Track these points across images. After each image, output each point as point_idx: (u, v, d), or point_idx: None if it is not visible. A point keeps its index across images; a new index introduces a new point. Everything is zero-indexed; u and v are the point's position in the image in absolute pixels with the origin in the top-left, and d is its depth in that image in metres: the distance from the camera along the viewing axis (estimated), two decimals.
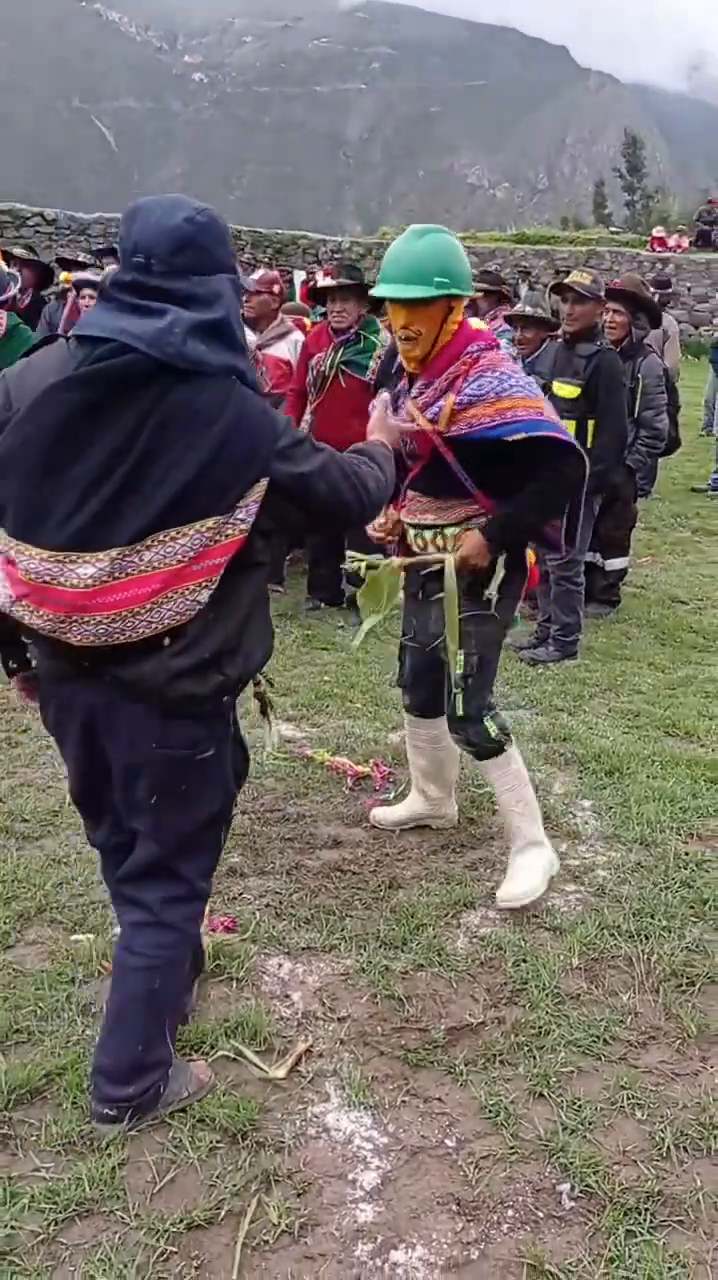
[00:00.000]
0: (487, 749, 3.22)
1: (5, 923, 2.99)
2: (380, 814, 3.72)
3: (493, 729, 3.20)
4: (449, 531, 3.18)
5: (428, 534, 3.23)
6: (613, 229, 33.83)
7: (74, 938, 2.95)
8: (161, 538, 2.00)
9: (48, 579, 1.99)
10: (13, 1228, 2.02)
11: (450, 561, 3.10)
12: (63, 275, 7.93)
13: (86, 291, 7.01)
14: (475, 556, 3.10)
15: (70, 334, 2.08)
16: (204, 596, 2.05)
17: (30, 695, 2.46)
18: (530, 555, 3.35)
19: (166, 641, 2.07)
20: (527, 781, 3.31)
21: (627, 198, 57.97)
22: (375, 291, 3.02)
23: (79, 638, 2.02)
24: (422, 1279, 1.99)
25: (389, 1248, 2.05)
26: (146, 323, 1.98)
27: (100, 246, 14.34)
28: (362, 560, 3.24)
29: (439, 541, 3.20)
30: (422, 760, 3.61)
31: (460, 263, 2.99)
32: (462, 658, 3.14)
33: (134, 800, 2.22)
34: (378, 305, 6.49)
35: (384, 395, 3.03)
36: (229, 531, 2.05)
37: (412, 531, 3.29)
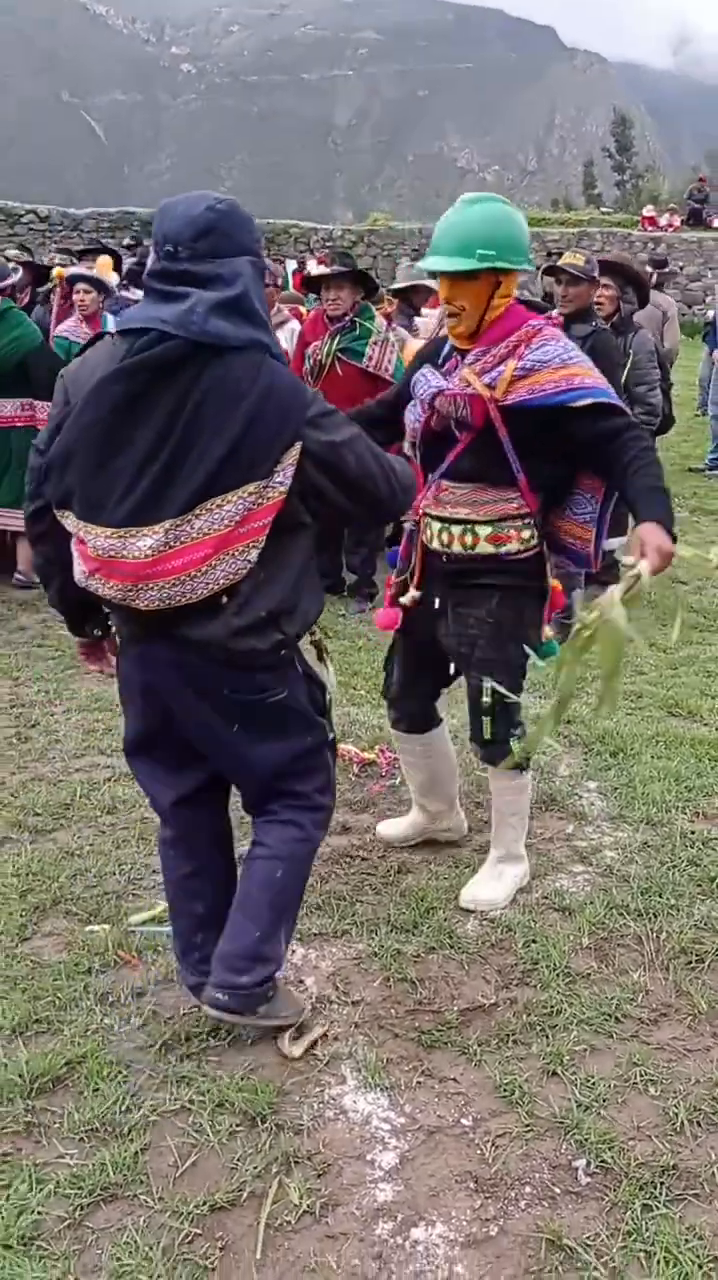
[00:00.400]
0: (505, 765, 3.14)
1: (22, 915, 3.02)
2: (386, 829, 3.54)
3: (517, 752, 3.10)
4: (481, 530, 2.95)
5: (456, 529, 2.98)
6: (604, 209, 33.70)
7: (89, 928, 2.97)
8: (208, 506, 2.17)
9: (113, 554, 2.19)
10: (39, 1213, 2.05)
11: (646, 569, 2.52)
12: (55, 271, 7.92)
13: (81, 286, 7.02)
14: (666, 544, 2.57)
15: (115, 329, 2.29)
16: (253, 555, 2.22)
17: (91, 659, 2.71)
18: (554, 583, 3.14)
19: (224, 600, 2.25)
20: (528, 795, 3.27)
21: (617, 177, 57.61)
22: (421, 263, 2.94)
23: (146, 603, 2.22)
24: (442, 1256, 2.02)
25: (409, 1226, 2.09)
26: (173, 307, 2.17)
27: (89, 244, 14.34)
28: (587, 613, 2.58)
29: (468, 539, 2.97)
30: (418, 775, 3.43)
31: (512, 234, 2.82)
32: (489, 687, 3.01)
33: (218, 740, 2.42)
34: (372, 291, 6.50)
35: (412, 411, 2.92)
36: (270, 495, 2.21)
37: (435, 525, 3.01)
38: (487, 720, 3.08)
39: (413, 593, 3.12)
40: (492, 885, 3.19)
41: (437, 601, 3.09)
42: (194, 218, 2.19)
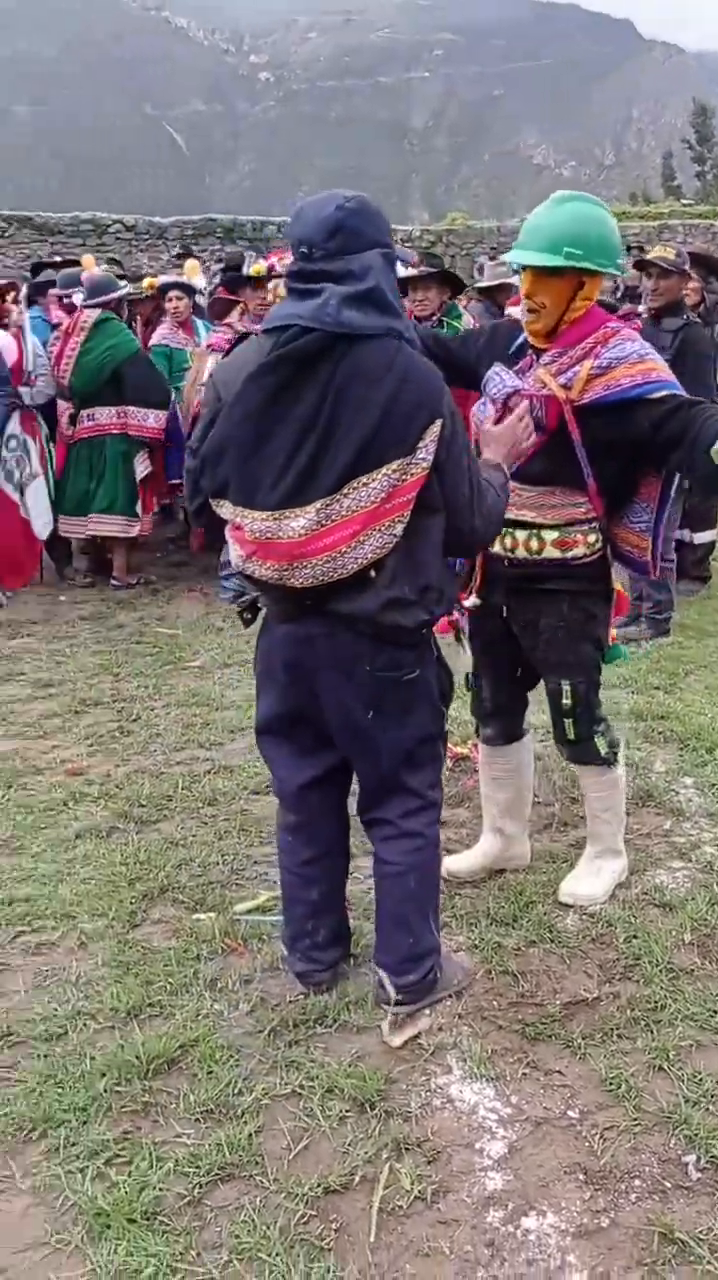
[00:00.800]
0: (593, 762, 3.12)
1: (131, 903, 3.10)
2: (455, 864, 3.29)
3: (603, 747, 3.08)
4: (547, 535, 2.90)
5: (520, 534, 2.92)
6: (685, 201, 33.06)
7: (196, 916, 3.04)
8: (355, 485, 2.30)
9: (268, 535, 2.33)
10: (160, 1190, 2.11)
11: None
12: (146, 282, 8.10)
13: (173, 293, 7.19)
14: None
15: (260, 328, 2.46)
16: (399, 530, 2.34)
17: None
18: (618, 586, 3.11)
19: (373, 574, 2.36)
20: (622, 790, 3.23)
21: (697, 168, 56.51)
22: (507, 254, 2.91)
23: (300, 580, 2.35)
24: (554, 1245, 2.03)
25: (520, 1214, 2.09)
26: (309, 303, 2.31)
27: (177, 252, 14.63)
28: None
29: (533, 544, 2.92)
30: (502, 794, 3.29)
31: (603, 235, 2.78)
32: (568, 688, 3.00)
33: (353, 723, 2.50)
34: (458, 291, 6.49)
35: (481, 409, 2.86)
36: (413, 470, 2.32)
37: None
38: (569, 722, 3.06)
39: (473, 599, 3.09)
40: (590, 880, 3.17)
41: (504, 609, 3.05)
42: (324, 219, 2.31)
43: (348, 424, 2.28)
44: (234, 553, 2.46)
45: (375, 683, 2.45)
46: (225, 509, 2.44)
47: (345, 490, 2.29)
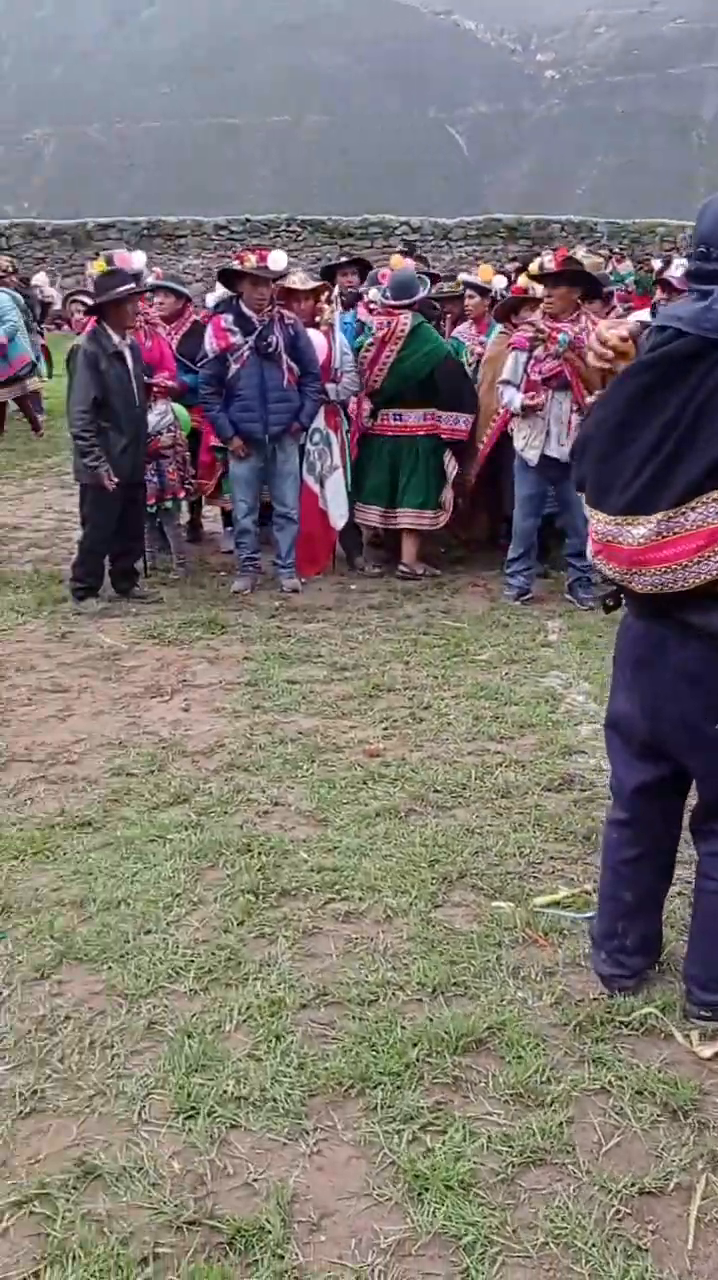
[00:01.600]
0: None
1: (432, 884, 3.17)
2: None
3: None
4: None
5: None
6: None
7: (496, 904, 3.06)
8: (704, 499, 2.19)
9: (611, 538, 2.33)
10: (475, 1164, 2.15)
11: None
12: (459, 278, 8.30)
13: (468, 291, 7.32)
14: None
15: (653, 324, 2.38)
16: None
17: None
18: None
19: None
20: None
21: None
22: None
23: (640, 586, 2.34)
24: None
25: None
26: (696, 306, 2.22)
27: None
28: None
29: None
30: None
31: None
32: None
33: (696, 731, 2.42)
34: None
35: None
36: None
37: None
38: None
39: None
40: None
41: None
42: None
43: (707, 435, 2.17)
44: (589, 547, 2.47)
45: None
46: (585, 506, 2.44)
47: (693, 504, 2.20)
